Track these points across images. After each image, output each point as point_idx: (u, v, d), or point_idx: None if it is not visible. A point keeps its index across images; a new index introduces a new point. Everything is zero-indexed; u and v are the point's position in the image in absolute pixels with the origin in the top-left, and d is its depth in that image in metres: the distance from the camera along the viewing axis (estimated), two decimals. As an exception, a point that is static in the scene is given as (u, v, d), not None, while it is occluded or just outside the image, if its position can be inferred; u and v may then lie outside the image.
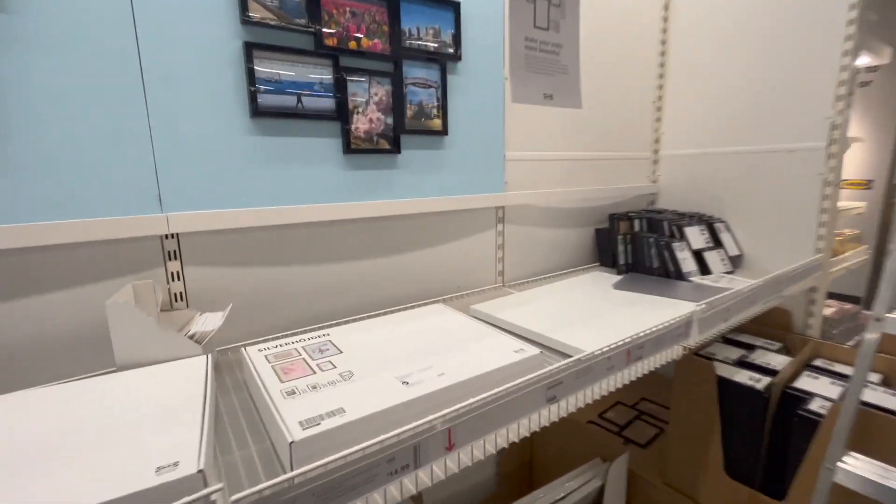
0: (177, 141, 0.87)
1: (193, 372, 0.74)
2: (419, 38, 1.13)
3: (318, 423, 0.59)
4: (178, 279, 0.93)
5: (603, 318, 1.04)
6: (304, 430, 0.58)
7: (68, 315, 0.83)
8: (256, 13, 0.91)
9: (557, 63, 0.90)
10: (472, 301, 1.27)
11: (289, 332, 1.05)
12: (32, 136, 0.76)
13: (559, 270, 1.62)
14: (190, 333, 0.82)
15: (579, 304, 1.16)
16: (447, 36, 1.17)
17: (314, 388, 0.70)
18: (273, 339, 1.00)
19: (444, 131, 1.21)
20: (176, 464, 0.51)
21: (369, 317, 1.14)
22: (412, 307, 1.22)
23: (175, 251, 0.92)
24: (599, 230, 1.70)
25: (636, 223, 1.67)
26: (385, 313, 1.17)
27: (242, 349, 0.86)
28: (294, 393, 0.68)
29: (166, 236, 0.91)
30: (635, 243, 1.61)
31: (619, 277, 1.49)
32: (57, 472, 0.50)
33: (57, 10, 0.75)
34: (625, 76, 1.66)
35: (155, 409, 0.62)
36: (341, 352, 0.83)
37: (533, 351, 0.81)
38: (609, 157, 1.69)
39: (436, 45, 1.15)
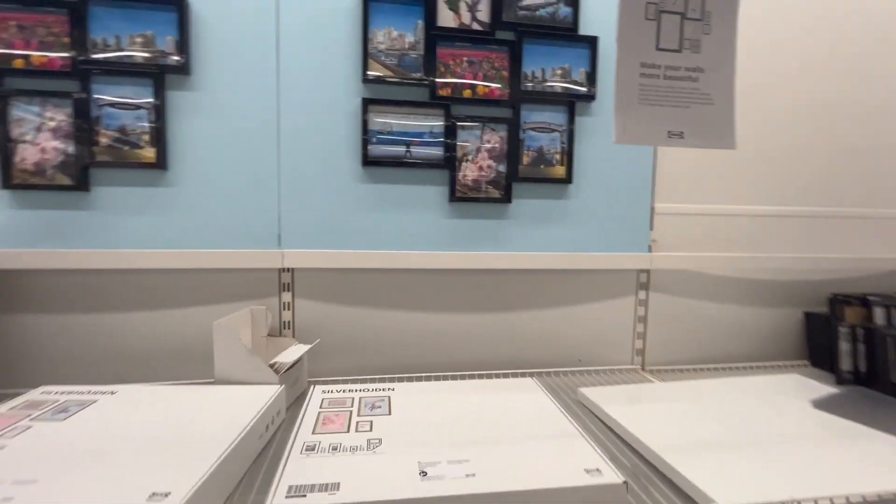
0: (298, 186, 0.98)
1: (256, 400, 0.77)
2: (544, 81, 1.04)
3: (304, 496, 0.53)
4: (289, 309, 1.02)
5: (785, 453, 0.70)
6: (286, 498, 0.52)
7: (196, 327, 0.99)
8: (375, 72, 0.97)
9: (695, 91, 0.70)
10: (589, 381, 1.04)
11: (368, 378, 1.04)
12: (194, 182, 0.95)
13: (737, 362, 1.22)
14: (272, 362, 0.87)
15: (751, 419, 0.81)
16: (579, 75, 1.05)
17: (335, 449, 0.64)
18: (349, 381, 0.99)
19: (567, 179, 1.06)
20: (167, 494, 0.52)
21: (455, 377, 1.04)
22: (512, 375, 1.07)
23: (289, 283, 1.02)
24: (811, 315, 1.23)
25: (878, 312, 1.15)
26: (476, 376, 1.05)
27: (312, 386, 0.87)
28: (313, 449, 0.64)
29: (282, 270, 1.01)
30: (873, 343, 1.10)
31: (836, 390, 1.03)
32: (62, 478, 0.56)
33: (223, 86, 0.95)
34: (863, 96, 1.21)
35: (196, 429, 0.66)
36: (390, 413, 0.76)
37: (613, 477, 0.59)
38: (830, 215, 1.23)
39: (564, 85, 1.04)
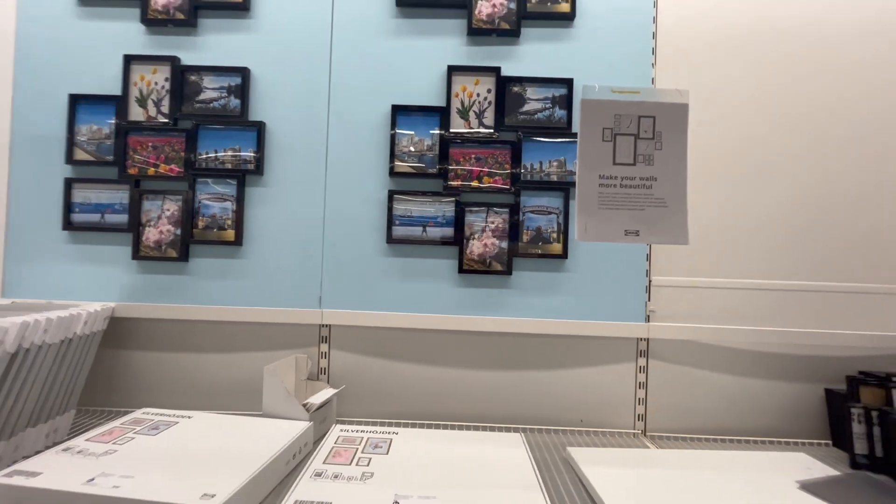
0: (337, 259, 1.23)
1: (289, 433, 0.98)
2: (542, 171, 1.22)
3: (303, 507, 0.72)
4: (325, 358, 1.25)
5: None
6: (290, 507, 0.72)
7: (255, 369, 1.24)
8: (400, 168, 1.22)
9: (649, 197, 0.85)
10: (586, 441, 1.13)
11: (383, 421, 1.22)
12: (261, 255, 1.24)
13: (752, 436, 1.23)
14: (305, 402, 1.09)
15: (727, 496, 0.81)
16: (574, 165, 1.21)
17: (336, 477, 0.83)
18: (367, 423, 1.18)
19: (563, 255, 1.21)
20: (213, 496, 0.74)
21: (455, 427, 1.19)
22: (512, 429, 1.19)
23: (326, 336, 1.25)
24: (832, 393, 1.22)
25: (895, 395, 1.12)
26: (476, 428, 1.19)
27: (334, 425, 1.07)
28: (320, 475, 0.83)
29: (321, 325, 1.25)
30: (889, 428, 1.08)
31: (838, 474, 1.01)
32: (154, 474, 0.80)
33: (285, 183, 1.24)
34: (884, 172, 1.23)
35: (242, 450, 0.88)
36: (388, 453, 0.93)
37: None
38: (847, 290, 1.24)
39: (559, 176, 1.21)
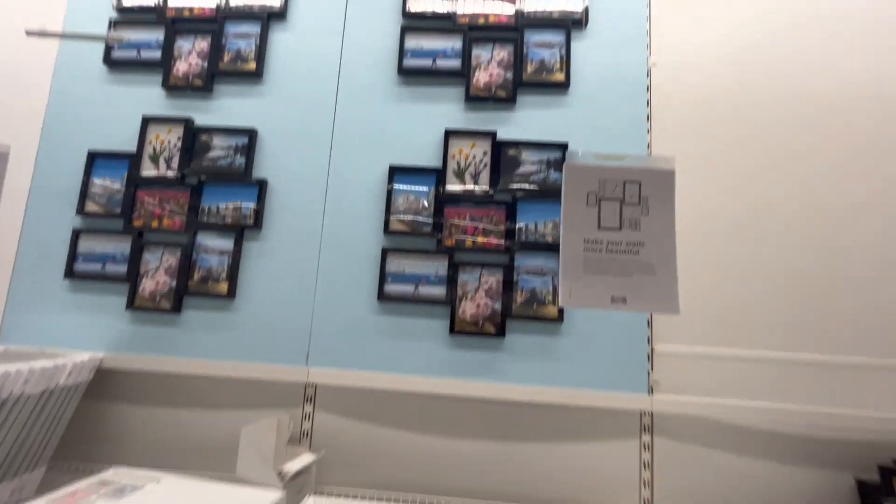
0: (327, 314, 1.22)
1: (258, 502, 0.92)
2: (537, 232, 1.20)
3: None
4: (309, 419, 1.20)
5: None
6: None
7: (234, 428, 1.19)
8: (395, 227, 1.23)
9: (636, 262, 0.83)
10: (576, 527, 1.03)
11: (365, 492, 1.13)
12: (252, 309, 1.23)
13: (765, 527, 1.10)
14: (279, 469, 1.03)
15: None
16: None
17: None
18: (345, 495, 1.10)
19: (558, 318, 1.16)
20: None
21: (442, 502, 1.10)
22: (500, 509, 1.09)
23: (312, 396, 1.21)
24: (865, 485, 1.09)
25: (933, 487, 1.00)
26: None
27: (308, 495, 1.00)
28: (279, 553, 0.76)
29: (307, 384, 1.21)
30: None
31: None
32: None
33: (283, 238, 1.26)
34: None
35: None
36: (358, 530, 0.86)
37: None
38: (879, 366, 1.14)
39: (554, 237, 1.20)
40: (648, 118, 1.25)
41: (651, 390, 1.14)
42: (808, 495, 1.10)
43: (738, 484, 1.11)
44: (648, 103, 1.25)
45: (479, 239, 1.20)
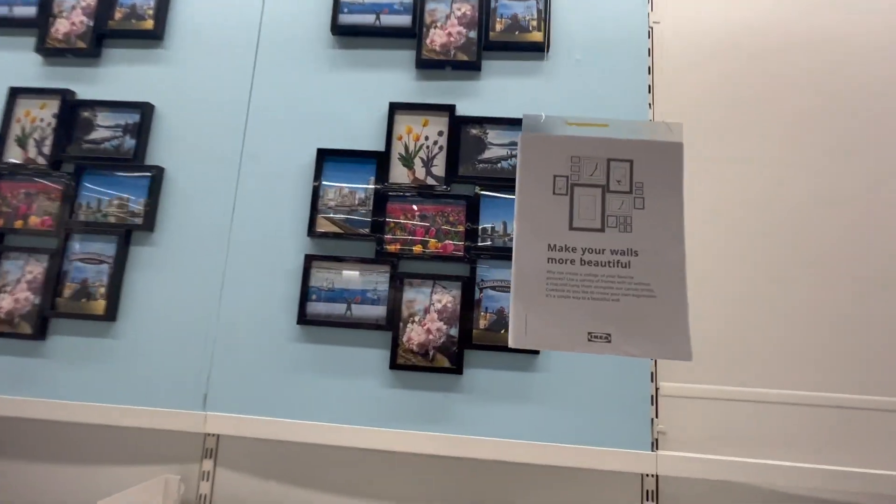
0: (232, 344, 0.93)
1: None
2: (505, 235, 0.92)
3: None
4: (208, 480, 0.91)
5: None
6: None
7: (110, 488, 0.90)
8: (322, 228, 0.94)
9: (626, 280, 0.55)
10: None
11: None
12: (137, 335, 0.94)
13: None
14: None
15: None
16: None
17: None
18: None
19: (534, 350, 0.88)
20: None
21: None
22: None
23: (212, 450, 0.92)
24: None
25: None
26: None
27: None
28: None
29: (207, 435, 0.92)
30: None
31: None
32: None
33: (181, 241, 0.97)
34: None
35: None
36: None
37: None
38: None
39: (530, 240, 0.91)
40: (650, 89, 0.97)
41: (655, 444, 0.86)
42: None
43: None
44: (650, 70, 0.97)
45: (432, 244, 0.92)
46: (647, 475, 0.86)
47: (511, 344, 0.53)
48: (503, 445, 0.86)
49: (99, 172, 1.00)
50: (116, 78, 1.05)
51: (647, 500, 0.86)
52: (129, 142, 1.01)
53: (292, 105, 1.00)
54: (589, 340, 0.54)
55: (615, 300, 0.55)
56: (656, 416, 0.87)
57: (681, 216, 0.57)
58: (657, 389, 0.89)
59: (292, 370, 0.91)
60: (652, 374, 0.89)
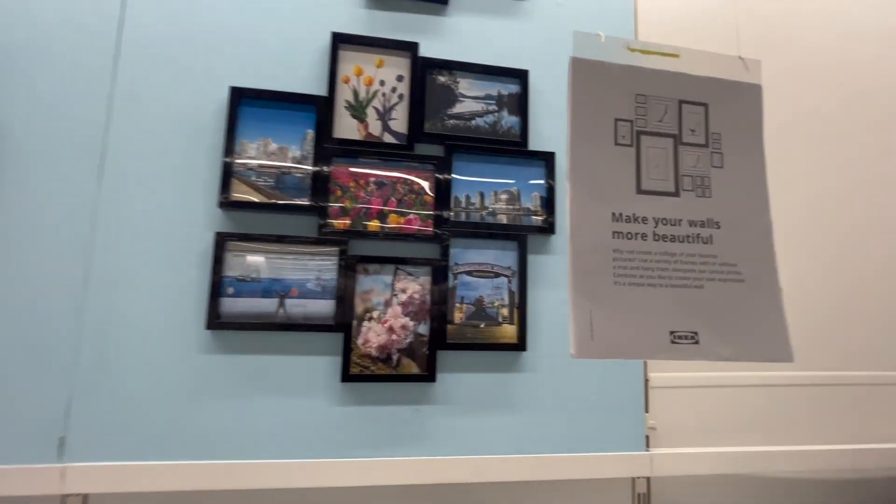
0: (105, 362, 0.64)
1: None
2: (483, 208, 0.75)
3: None
4: (71, 560, 0.62)
5: None
6: None
7: None
8: (240, 194, 0.69)
9: (710, 261, 0.39)
10: None
11: None
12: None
13: None
14: None
15: None
16: (531, 200, 0.77)
17: None
18: None
19: (519, 344, 0.73)
20: None
21: None
22: None
23: (76, 516, 0.63)
24: None
25: None
26: None
27: None
28: None
29: (66, 496, 0.63)
30: None
31: None
32: None
33: (16, 219, 0.65)
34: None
35: None
36: None
37: None
38: None
39: (511, 213, 0.76)
40: (635, 34, 0.86)
41: (647, 442, 0.77)
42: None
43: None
44: (636, 13, 0.86)
45: (392, 219, 0.72)
46: (638, 478, 0.77)
47: (574, 355, 0.37)
48: (484, 464, 0.70)
49: None
50: None
51: (639, 503, 0.78)
52: None
53: (189, 28, 0.72)
54: (673, 342, 0.40)
55: (698, 286, 0.42)
56: (647, 411, 0.79)
57: (764, 176, 0.45)
58: (647, 381, 0.80)
59: (201, 392, 0.66)
60: (643, 365, 0.79)
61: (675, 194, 0.44)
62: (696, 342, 0.40)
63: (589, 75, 0.43)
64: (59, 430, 0.63)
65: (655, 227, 0.42)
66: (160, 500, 0.65)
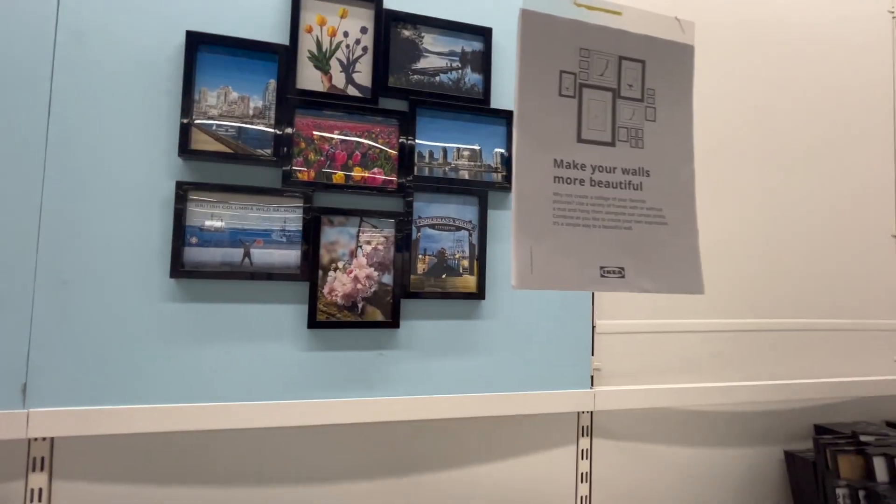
0: (65, 309, 0.64)
1: None
2: (446, 164, 0.78)
3: None
4: (40, 500, 0.64)
5: None
6: None
7: None
8: (202, 145, 0.68)
9: (638, 206, 0.43)
10: None
11: None
12: None
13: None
14: None
15: None
16: (493, 157, 0.80)
17: None
18: None
19: (478, 293, 0.78)
20: None
21: None
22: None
23: (43, 459, 0.64)
24: (794, 458, 0.97)
25: (879, 464, 0.90)
26: None
27: None
28: None
29: (32, 440, 0.64)
30: None
31: None
32: None
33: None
34: (843, 190, 1.03)
35: None
36: None
37: None
38: (806, 327, 1.01)
39: (472, 170, 0.79)
40: None
41: (592, 382, 0.85)
42: (741, 475, 0.95)
43: (682, 476, 0.91)
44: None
45: (356, 172, 0.74)
46: (583, 412, 0.86)
47: (515, 286, 0.41)
48: (445, 402, 0.76)
49: None
50: None
51: (582, 434, 0.86)
52: None
53: (139, -39, 0.68)
54: (602, 276, 0.45)
55: (627, 228, 0.47)
56: (592, 354, 0.86)
57: (691, 130, 0.50)
58: (593, 327, 0.87)
59: (167, 339, 0.67)
60: (591, 313, 0.86)
61: (612, 144, 0.48)
62: (623, 276, 0.46)
63: (537, 28, 0.45)
64: (21, 378, 0.63)
65: (592, 173, 0.47)
66: (126, 443, 0.67)
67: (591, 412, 0.86)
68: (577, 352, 0.84)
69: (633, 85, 0.49)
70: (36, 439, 0.64)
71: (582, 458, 0.86)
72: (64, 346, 0.64)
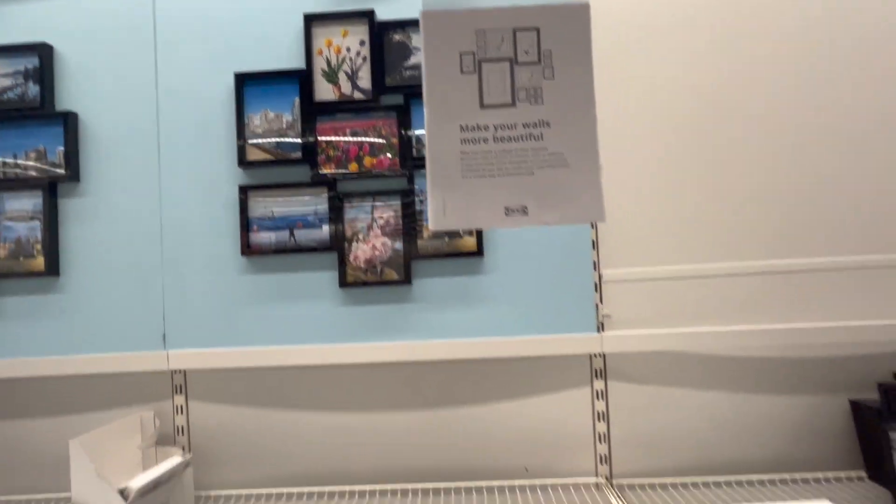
0: (180, 283, 0.93)
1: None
2: (440, 143, 0.91)
3: None
4: (182, 413, 0.94)
5: None
6: None
7: (81, 432, 0.94)
8: (253, 156, 0.92)
9: (540, 152, 0.55)
10: (534, 502, 0.82)
11: (261, 492, 0.91)
12: (84, 287, 0.94)
13: (755, 472, 0.91)
14: (121, 487, 0.78)
15: None
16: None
17: None
18: (237, 497, 0.87)
19: (477, 251, 0.90)
20: None
21: (359, 494, 0.88)
22: (443, 491, 0.88)
23: (181, 385, 0.95)
24: (861, 407, 0.90)
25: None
26: (396, 493, 0.88)
27: (159, 518, 0.77)
28: None
29: (174, 372, 0.94)
30: None
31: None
32: None
33: (109, 190, 0.94)
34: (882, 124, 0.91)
35: None
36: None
37: None
38: (859, 265, 0.92)
39: (464, 145, 0.90)
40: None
41: (601, 327, 0.91)
42: (793, 428, 0.91)
43: (708, 425, 0.91)
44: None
45: (367, 160, 0.91)
46: (595, 355, 0.92)
47: (431, 227, 0.54)
48: (456, 345, 0.90)
49: (7, 125, 0.94)
50: (4, 18, 0.96)
51: (596, 376, 0.92)
52: (33, 88, 0.94)
53: (200, 31, 0.94)
54: (506, 215, 0.55)
55: (529, 174, 0.56)
56: (601, 302, 0.92)
57: (590, 82, 0.57)
58: (600, 277, 0.92)
59: (244, 300, 0.92)
60: (595, 262, 0.92)
61: (512, 105, 0.57)
62: (526, 213, 0.55)
63: (435, 22, 0.57)
64: (161, 329, 0.93)
65: (495, 132, 0.57)
66: (224, 373, 0.94)
67: (603, 355, 0.92)
68: (581, 299, 0.90)
69: (529, 51, 0.57)
70: (174, 371, 0.94)
71: (598, 399, 0.93)
72: (183, 307, 0.93)
